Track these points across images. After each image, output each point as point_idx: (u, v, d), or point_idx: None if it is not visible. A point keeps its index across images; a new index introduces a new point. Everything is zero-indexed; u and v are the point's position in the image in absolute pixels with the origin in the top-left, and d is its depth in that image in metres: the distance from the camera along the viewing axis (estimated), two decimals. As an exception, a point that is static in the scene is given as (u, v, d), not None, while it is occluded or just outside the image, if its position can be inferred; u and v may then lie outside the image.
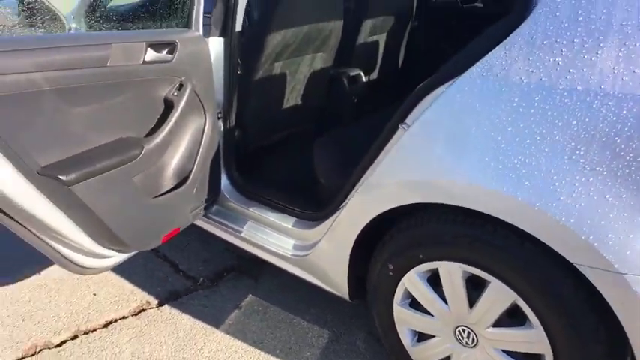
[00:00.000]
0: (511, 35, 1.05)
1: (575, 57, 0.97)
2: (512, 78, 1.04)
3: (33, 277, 2.15)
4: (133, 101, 1.36)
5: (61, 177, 1.18)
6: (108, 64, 1.25)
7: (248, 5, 1.75)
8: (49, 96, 1.14)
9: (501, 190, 1.04)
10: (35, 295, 2.05)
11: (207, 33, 1.67)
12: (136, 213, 1.43)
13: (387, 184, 1.28)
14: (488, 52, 1.07)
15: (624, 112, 0.91)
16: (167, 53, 1.43)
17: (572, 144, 0.96)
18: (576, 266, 0.99)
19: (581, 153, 0.96)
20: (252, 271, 2.13)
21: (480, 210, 1.09)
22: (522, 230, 1.05)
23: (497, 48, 1.06)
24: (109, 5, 2.48)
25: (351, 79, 2.40)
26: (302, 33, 1.97)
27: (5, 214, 1.22)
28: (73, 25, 2.42)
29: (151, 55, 1.37)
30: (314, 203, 1.69)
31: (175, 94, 1.48)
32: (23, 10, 2.25)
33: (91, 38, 1.28)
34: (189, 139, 1.56)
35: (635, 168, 0.91)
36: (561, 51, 0.99)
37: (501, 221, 1.08)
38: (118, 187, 1.35)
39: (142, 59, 1.35)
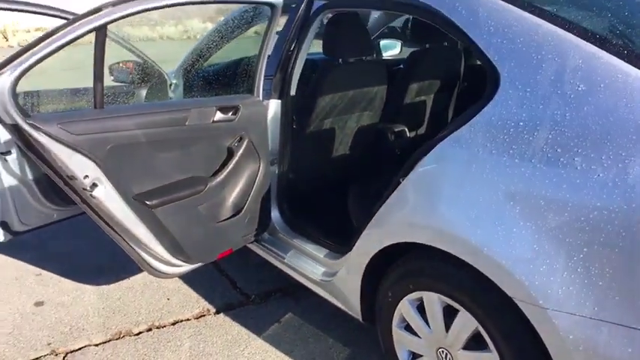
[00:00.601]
0: (476, 116, 1.36)
1: (518, 136, 1.26)
2: (472, 149, 1.34)
3: (124, 281, 2.69)
4: (203, 150, 1.83)
5: (147, 202, 1.64)
6: (186, 124, 1.72)
7: (301, 75, 2.18)
8: (144, 146, 1.62)
9: (460, 235, 1.33)
10: (124, 294, 2.57)
11: (267, 96, 2.13)
12: (198, 233, 1.87)
13: (384, 226, 1.60)
14: (459, 129, 1.39)
15: (546, 181, 1.18)
16: (232, 114, 1.88)
17: (511, 203, 1.24)
18: (514, 301, 1.25)
19: (517, 211, 1.23)
20: (295, 294, 2.49)
21: (447, 250, 1.38)
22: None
23: (465, 125, 1.37)
24: (204, 64, 3.07)
25: (396, 134, 2.74)
26: (348, 96, 2.36)
27: (110, 226, 1.71)
28: (174, 81, 3.02)
29: (219, 116, 1.83)
30: (345, 239, 2.03)
31: (236, 144, 1.92)
32: (136, 69, 2.88)
33: (175, 105, 1.77)
34: (245, 180, 1.99)
35: (553, 226, 1.17)
36: (509, 130, 1.28)
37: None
38: (186, 213, 1.80)
39: (212, 119, 1.81)
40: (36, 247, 3.02)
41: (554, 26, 1.31)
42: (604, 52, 1.22)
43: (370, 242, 1.67)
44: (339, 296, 1.96)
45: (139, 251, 1.82)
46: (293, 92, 2.18)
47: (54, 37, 1.34)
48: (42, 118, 1.43)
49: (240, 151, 1.92)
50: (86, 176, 1.52)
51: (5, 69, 1.29)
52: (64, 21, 1.44)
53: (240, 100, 1.93)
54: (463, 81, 3.06)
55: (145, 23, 21.31)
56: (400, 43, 3.96)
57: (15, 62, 1.30)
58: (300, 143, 2.32)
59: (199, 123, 1.77)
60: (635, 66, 1.17)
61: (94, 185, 1.55)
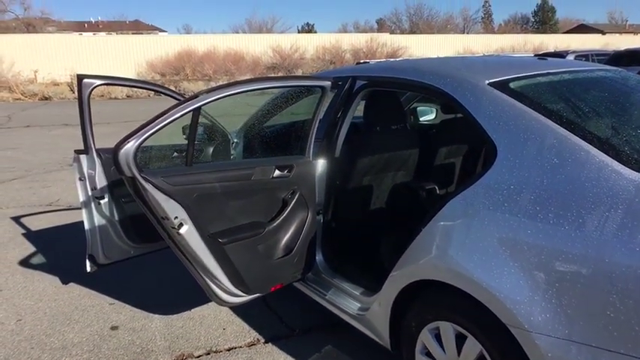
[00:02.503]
0: (479, 180, 1.75)
1: (509, 196, 1.63)
2: (475, 206, 1.71)
3: (186, 312, 3.11)
4: (263, 199, 2.27)
5: (219, 240, 2.09)
6: (251, 179, 2.19)
7: (345, 140, 2.63)
8: (219, 195, 2.09)
9: (466, 274, 1.69)
10: (186, 323, 2.99)
11: (316, 157, 2.58)
12: (257, 268, 2.29)
13: (408, 266, 1.97)
14: (466, 189, 1.77)
15: (528, 231, 1.54)
16: (287, 172, 2.34)
17: (503, 248, 1.60)
18: (507, 326, 1.58)
19: (507, 254, 1.58)
20: (333, 328, 2.84)
21: (457, 286, 1.73)
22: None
23: (470, 187, 1.76)
24: (262, 127, 3.59)
25: (427, 192, 3.12)
26: (384, 158, 2.79)
27: (187, 259, 2.15)
28: (235, 140, 3.55)
29: (277, 172, 2.29)
30: (378, 279, 2.39)
31: (289, 196, 2.37)
32: (205, 130, 3.42)
33: (244, 164, 2.24)
34: (295, 226, 2.42)
35: (533, 266, 1.51)
36: (503, 191, 1.65)
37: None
38: (248, 250, 2.23)
39: (271, 175, 2.27)
40: (109, 280, 3.51)
41: (538, 113, 1.71)
42: (572, 135, 1.60)
43: (397, 280, 2.03)
44: (371, 328, 2.30)
45: (208, 281, 2.25)
46: (338, 154, 2.63)
47: (165, 115, 1.85)
48: (150, 173, 1.93)
49: (293, 202, 2.36)
50: (176, 217, 1.98)
51: (132, 138, 1.80)
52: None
53: (294, 160, 2.39)
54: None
55: (200, 79, 23.10)
56: (436, 110, 4.40)
57: (138, 133, 1.81)
58: (342, 197, 2.74)
59: (261, 178, 2.23)
60: (593, 145, 1.55)
61: (181, 225, 2.01)
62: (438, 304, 1.89)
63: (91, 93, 2.59)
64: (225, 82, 1.99)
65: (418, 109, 4.42)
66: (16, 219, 5.13)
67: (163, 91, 2.93)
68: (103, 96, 19.48)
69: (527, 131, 1.69)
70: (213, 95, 1.93)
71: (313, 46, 27.05)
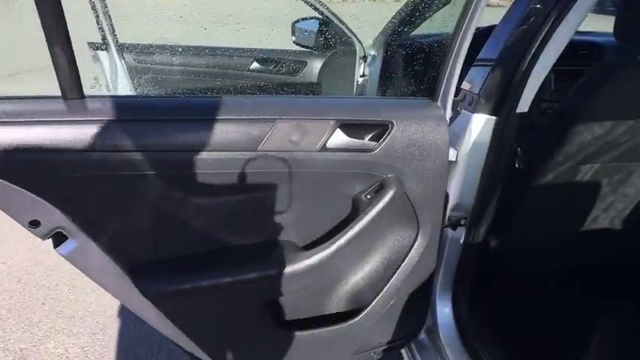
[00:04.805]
0: None
1: None
2: None
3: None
4: (289, 198, 0.94)
5: (143, 287, 0.86)
6: (258, 149, 0.86)
7: (548, 80, 1.06)
8: (151, 180, 0.83)
9: None
10: None
11: (470, 106, 1.11)
12: (263, 347, 1.03)
13: None
14: None
15: None
16: (370, 139, 0.93)
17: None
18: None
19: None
20: None
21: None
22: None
23: None
24: (412, 34, 2.13)
25: None
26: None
27: None
28: (372, 53, 2.18)
29: (337, 138, 0.90)
30: None
31: (369, 196, 0.98)
32: (320, 32, 2.12)
33: (241, 107, 0.88)
34: (379, 260, 1.04)
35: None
36: None
37: None
38: (225, 314, 0.96)
39: (319, 144, 0.89)
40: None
41: None
42: None
43: None
44: None
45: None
46: (525, 107, 1.10)
47: None
48: None
49: (376, 209, 0.97)
50: (35, 222, 0.81)
51: None
52: None
53: (393, 110, 0.95)
54: None
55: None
56: None
57: None
58: (526, 197, 1.26)
59: (287, 149, 0.88)
60: None
61: (61, 237, 0.84)
62: None
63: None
64: None
65: None
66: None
67: None
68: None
69: None
70: None
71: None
